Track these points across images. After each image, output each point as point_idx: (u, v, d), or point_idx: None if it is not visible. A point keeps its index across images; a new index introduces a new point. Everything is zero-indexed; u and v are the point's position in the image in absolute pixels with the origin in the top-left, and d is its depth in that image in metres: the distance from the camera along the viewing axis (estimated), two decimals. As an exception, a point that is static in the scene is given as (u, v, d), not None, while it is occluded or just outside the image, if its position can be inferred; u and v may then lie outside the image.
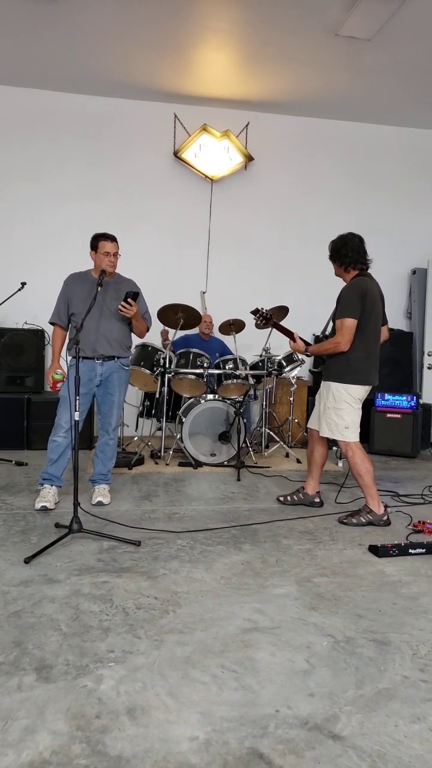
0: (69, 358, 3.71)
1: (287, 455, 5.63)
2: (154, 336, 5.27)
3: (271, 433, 5.81)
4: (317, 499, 3.98)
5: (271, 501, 4.10)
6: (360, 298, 3.52)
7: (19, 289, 5.08)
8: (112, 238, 3.81)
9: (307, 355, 3.86)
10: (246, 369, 5.26)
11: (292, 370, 5.46)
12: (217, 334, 5.98)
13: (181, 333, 5.70)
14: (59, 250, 6.20)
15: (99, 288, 3.50)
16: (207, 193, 6.61)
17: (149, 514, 3.73)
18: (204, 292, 6.58)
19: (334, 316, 3.65)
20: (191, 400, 5.27)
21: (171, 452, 5.25)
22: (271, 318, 4.01)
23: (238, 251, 6.71)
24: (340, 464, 5.25)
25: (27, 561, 2.85)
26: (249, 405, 5.85)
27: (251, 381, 5.28)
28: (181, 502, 4.04)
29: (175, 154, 6.43)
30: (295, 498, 4.00)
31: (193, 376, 5.10)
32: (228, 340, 5.84)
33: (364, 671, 2.01)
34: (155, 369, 5.07)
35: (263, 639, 2.21)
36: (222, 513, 3.80)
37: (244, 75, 5.74)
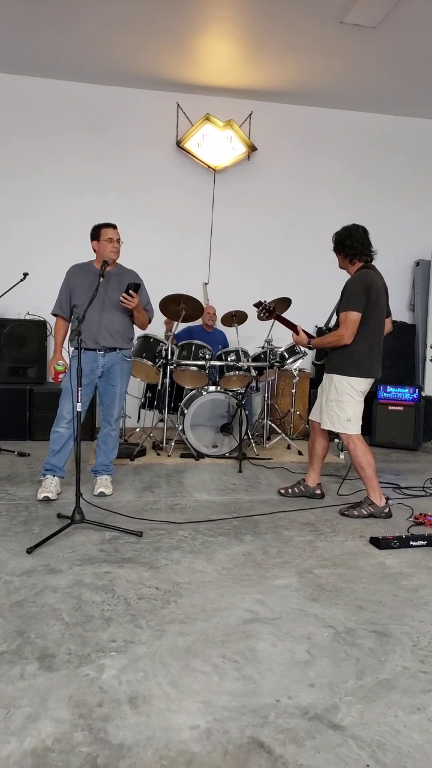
0: (71, 349, 3.70)
1: (289, 447, 5.63)
2: (156, 327, 5.26)
3: (272, 425, 5.81)
4: (318, 491, 3.99)
5: (273, 492, 4.11)
6: (365, 291, 3.50)
7: (21, 280, 5.08)
8: (113, 226, 3.81)
9: (310, 348, 3.85)
10: (248, 361, 5.25)
11: (294, 362, 5.46)
12: (219, 325, 5.98)
13: (184, 325, 5.70)
14: (61, 240, 6.18)
15: (101, 279, 3.49)
16: (210, 183, 6.58)
17: (151, 505, 3.74)
18: (206, 284, 6.57)
19: (338, 309, 3.63)
20: (193, 391, 5.27)
21: (173, 443, 5.26)
22: (273, 310, 4.00)
23: (240, 242, 6.69)
24: (342, 456, 5.26)
25: (29, 551, 2.86)
26: (251, 397, 5.85)
27: (253, 373, 5.28)
28: (183, 493, 4.05)
29: (178, 144, 6.40)
30: (296, 490, 4.01)
31: (195, 368, 5.10)
32: (230, 331, 5.84)
33: (364, 662, 2.02)
34: (157, 360, 5.07)
35: (264, 629, 2.22)
36: (223, 504, 3.81)
37: (247, 64, 5.70)
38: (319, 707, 1.77)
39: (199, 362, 5.07)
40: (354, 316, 3.49)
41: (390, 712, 1.76)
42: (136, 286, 3.73)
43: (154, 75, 5.99)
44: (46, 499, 3.72)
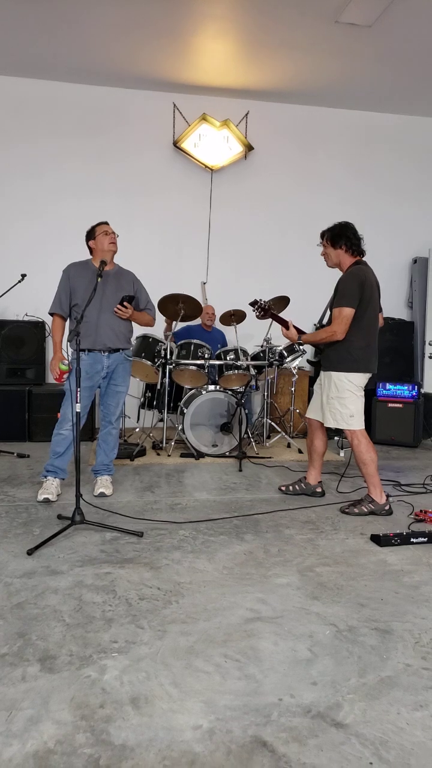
0: (70, 350, 3.69)
1: (289, 445, 5.63)
2: (156, 328, 5.26)
3: (272, 423, 5.81)
4: (319, 489, 3.99)
5: (273, 491, 4.10)
6: (359, 288, 3.52)
7: (19, 281, 5.07)
8: (106, 222, 3.86)
9: (299, 344, 3.84)
10: (247, 359, 5.25)
11: (293, 360, 5.45)
12: (218, 324, 5.97)
13: (183, 324, 5.69)
14: (59, 241, 6.17)
15: (99, 279, 3.48)
16: (207, 183, 6.58)
17: (151, 505, 3.73)
18: (204, 283, 6.57)
19: (332, 305, 3.64)
20: (192, 391, 5.27)
21: (173, 443, 5.26)
22: (269, 309, 4.00)
23: (238, 241, 6.68)
24: (342, 454, 5.26)
25: (30, 552, 2.86)
26: (250, 396, 5.85)
27: (252, 372, 5.28)
28: (183, 492, 4.05)
29: (175, 143, 6.39)
30: (297, 488, 4.01)
31: (194, 367, 5.09)
32: (229, 330, 5.83)
33: (366, 660, 2.02)
34: (156, 360, 5.06)
35: (266, 628, 2.22)
36: (224, 503, 3.81)
37: (243, 63, 5.70)
38: (322, 705, 1.77)
39: (198, 361, 5.07)
40: (348, 312, 3.51)
41: (393, 710, 1.76)
42: (130, 298, 3.76)
43: (151, 75, 5.99)
44: (46, 501, 3.71)
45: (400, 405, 5.76)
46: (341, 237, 3.67)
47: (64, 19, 4.93)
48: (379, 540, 3.11)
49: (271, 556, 2.94)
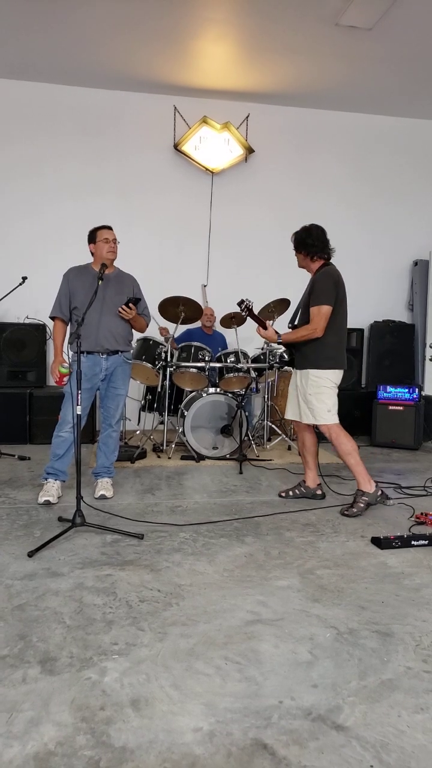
0: (71, 353, 3.70)
1: (289, 448, 5.63)
2: (154, 331, 5.27)
3: (272, 426, 5.81)
4: (319, 492, 3.99)
5: (274, 494, 4.10)
6: (335, 286, 3.64)
7: (20, 284, 5.08)
8: (109, 227, 3.84)
9: (279, 344, 3.90)
10: (247, 362, 5.25)
11: (284, 364, 5.44)
12: (218, 327, 5.98)
13: (183, 327, 5.70)
14: (60, 244, 6.18)
15: (100, 282, 3.49)
16: (207, 186, 6.59)
17: (152, 508, 3.73)
18: (205, 285, 6.57)
19: (307, 304, 3.72)
20: (193, 393, 5.27)
21: (173, 446, 5.26)
22: (251, 309, 4.03)
23: (238, 244, 6.69)
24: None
25: (30, 555, 2.86)
26: (251, 398, 5.85)
27: (253, 374, 5.28)
28: (184, 495, 4.05)
29: (175, 146, 6.41)
30: (297, 492, 4.01)
31: (194, 370, 5.10)
32: (229, 333, 5.84)
33: (367, 662, 2.02)
34: (157, 363, 5.07)
35: (266, 631, 2.22)
36: (224, 506, 3.81)
37: (243, 66, 5.71)
38: (322, 708, 1.77)
39: (199, 364, 5.07)
40: (326, 310, 3.61)
41: (393, 713, 1.75)
42: (137, 300, 3.78)
43: (151, 78, 6.00)
44: (47, 503, 3.71)
45: (401, 408, 5.76)
46: (300, 244, 3.79)
47: (64, 22, 4.94)
48: (379, 542, 3.10)
49: (272, 558, 2.94)
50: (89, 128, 6.30)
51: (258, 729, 1.67)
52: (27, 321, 5.91)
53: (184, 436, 5.10)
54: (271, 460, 5.14)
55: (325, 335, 3.63)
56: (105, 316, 3.79)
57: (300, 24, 4.89)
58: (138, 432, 5.87)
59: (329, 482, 4.34)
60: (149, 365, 5.05)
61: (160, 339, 5.30)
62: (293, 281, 6.62)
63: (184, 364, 5.09)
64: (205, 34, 5.12)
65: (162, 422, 5.53)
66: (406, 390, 5.80)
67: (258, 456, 5.23)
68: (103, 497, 3.87)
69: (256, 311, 4.13)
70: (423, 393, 6.14)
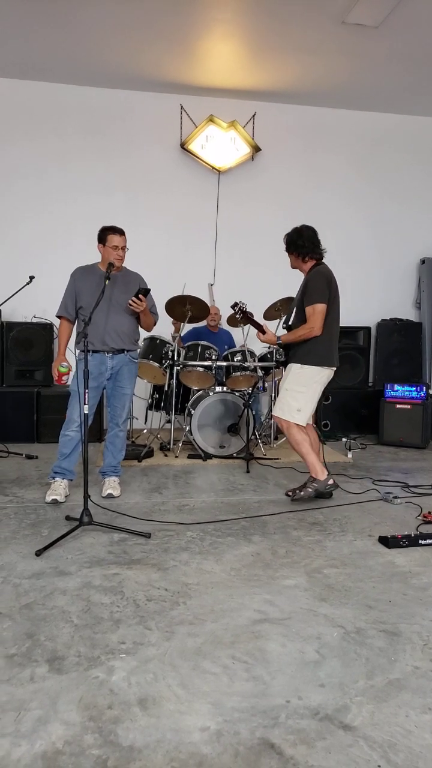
0: (77, 351, 3.71)
1: (296, 447, 5.62)
2: (161, 329, 5.27)
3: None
4: (330, 481, 3.92)
5: (281, 493, 4.10)
6: (327, 285, 3.68)
7: (28, 283, 5.09)
8: (120, 232, 3.79)
9: (280, 346, 3.92)
10: (254, 361, 5.25)
11: (278, 363, 5.44)
12: (225, 326, 5.97)
13: (189, 326, 5.69)
14: (67, 243, 6.20)
15: (107, 281, 3.50)
16: (214, 185, 6.59)
17: (159, 506, 3.74)
18: (212, 284, 6.57)
19: (301, 304, 3.75)
20: (200, 392, 5.27)
21: (180, 444, 5.26)
22: (246, 312, 4.08)
23: (245, 242, 6.68)
24: (350, 456, 5.24)
25: (38, 553, 2.87)
26: (258, 397, 5.84)
27: (260, 373, 5.27)
28: (191, 494, 4.05)
29: (182, 145, 6.41)
30: (309, 490, 3.94)
31: (201, 369, 5.10)
32: (236, 331, 5.83)
33: (374, 662, 2.01)
34: (164, 362, 5.07)
35: (273, 630, 2.21)
36: (231, 505, 3.81)
37: (250, 65, 5.70)
38: (330, 708, 1.77)
39: (206, 363, 5.08)
40: (321, 308, 3.66)
41: (401, 712, 1.75)
42: (146, 291, 3.77)
43: (158, 77, 6.00)
44: (54, 502, 3.73)
45: (409, 406, 5.74)
46: (291, 245, 3.85)
47: (71, 22, 4.95)
48: (387, 542, 3.10)
49: (279, 557, 2.94)
50: (96, 127, 6.31)
51: (265, 728, 1.67)
52: (34, 320, 5.93)
53: (191, 434, 5.10)
54: (278, 458, 5.14)
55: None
56: (111, 315, 3.80)
57: (307, 22, 4.88)
58: (145, 431, 5.88)
59: (336, 480, 4.32)
60: (156, 364, 5.06)
61: (167, 338, 5.30)
62: (300, 280, 6.62)
63: (190, 362, 5.09)
64: (212, 34, 5.11)
65: (169, 421, 5.54)
66: (414, 388, 5.78)
67: (265, 455, 5.22)
68: (110, 496, 3.87)
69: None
70: (431, 391, 6.11)
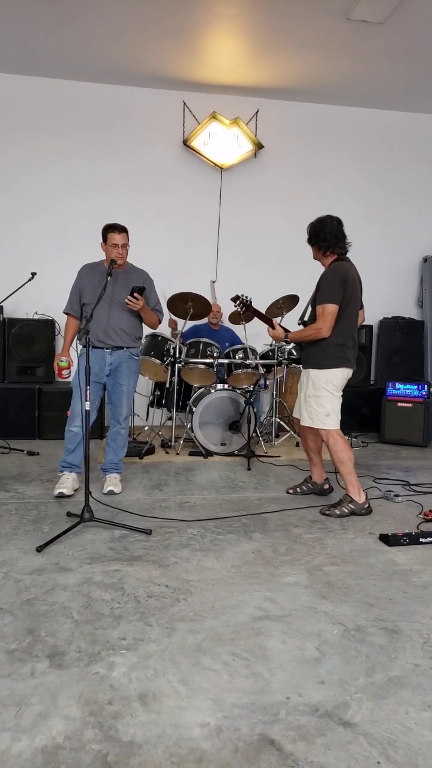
0: (79, 347, 3.73)
1: (297, 444, 5.61)
2: (163, 326, 5.26)
3: (281, 422, 5.80)
4: (326, 486, 3.98)
5: (281, 490, 4.10)
6: (341, 284, 3.48)
7: (29, 280, 5.09)
8: (120, 229, 3.79)
9: (287, 342, 3.79)
10: (256, 358, 5.25)
11: (292, 361, 5.43)
12: (227, 323, 5.97)
13: (190, 323, 5.69)
14: (69, 239, 6.20)
15: (108, 278, 3.51)
16: (216, 182, 6.58)
17: (160, 503, 3.74)
18: (214, 282, 6.56)
19: (314, 302, 3.60)
20: (201, 389, 5.27)
21: (181, 442, 5.26)
22: (250, 304, 3.96)
23: (248, 240, 6.68)
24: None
25: (39, 549, 2.87)
26: (259, 394, 5.84)
27: (261, 370, 5.27)
28: (192, 491, 4.06)
29: (185, 142, 6.40)
30: (305, 488, 4.00)
31: (203, 366, 5.10)
32: (238, 329, 5.83)
33: (374, 659, 2.02)
34: (165, 359, 5.07)
35: (274, 627, 2.22)
36: (232, 502, 3.81)
37: (253, 61, 5.69)
38: (330, 704, 1.77)
39: (207, 360, 5.07)
40: (331, 309, 3.46)
41: (401, 710, 1.75)
42: (141, 289, 3.76)
43: (160, 73, 5.99)
44: (61, 495, 3.75)
45: (410, 405, 5.73)
46: (313, 236, 3.65)
47: (74, 18, 4.94)
48: (387, 540, 3.10)
49: (280, 554, 2.94)
50: (99, 124, 6.30)
51: (265, 725, 1.67)
52: (36, 317, 5.93)
53: (193, 432, 5.10)
54: (279, 456, 5.14)
55: (330, 335, 3.51)
56: (113, 311, 3.81)
57: (310, 19, 4.86)
58: (146, 428, 5.88)
59: (339, 479, 4.32)
60: (157, 361, 5.06)
61: (169, 335, 5.29)
62: (302, 277, 6.59)
63: (192, 360, 5.09)
64: (215, 30, 5.10)
65: (170, 418, 5.54)
66: (416, 387, 5.77)
67: (266, 452, 5.23)
68: (111, 493, 3.88)
69: (264, 308, 4.08)
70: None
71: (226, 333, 6.10)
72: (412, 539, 3.10)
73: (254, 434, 5.16)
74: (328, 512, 3.58)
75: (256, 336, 5.97)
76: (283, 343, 3.88)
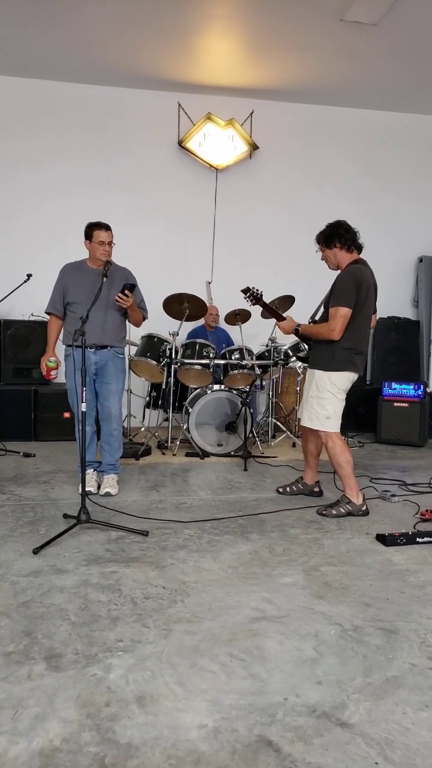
0: (64, 347, 3.74)
1: (294, 445, 5.62)
2: (158, 326, 5.27)
3: (277, 423, 5.80)
4: (316, 489, 3.99)
5: (278, 491, 4.10)
6: (356, 288, 3.45)
7: (25, 281, 5.08)
8: (106, 227, 3.78)
9: (297, 333, 3.71)
10: (252, 359, 5.25)
11: (298, 359, 5.45)
12: (222, 324, 5.97)
13: (187, 326, 5.69)
14: (64, 241, 6.18)
15: (104, 278, 3.50)
16: (212, 183, 6.58)
17: (157, 504, 3.74)
18: (209, 283, 6.57)
19: (327, 303, 3.58)
20: (198, 390, 5.27)
21: (178, 442, 5.26)
22: (261, 297, 3.94)
23: (243, 241, 6.68)
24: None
25: (36, 551, 2.86)
26: (255, 395, 5.85)
27: (257, 371, 5.27)
28: (189, 492, 4.05)
29: (180, 143, 6.40)
30: (294, 488, 4.01)
31: (199, 367, 5.10)
32: (234, 330, 5.83)
33: (371, 659, 2.02)
34: (161, 360, 5.07)
35: (271, 628, 2.22)
36: (229, 503, 3.81)
37: (248, 62, 5.69)
38: (327, 705, 1.77)
39: (204, 361, 5.07)
40: (344, 312, 3.44)
41: (398, 710, 1.75)
42: (132, 287, 3.74)
43: (155, 75, 5.99)
44: (89, 493, 3.77)
45: (406, 404, 5.74)
46: (333, 236, 3.61)
47: (68, 20, 4.94)
48: (384, 539, 3.10)
49: (276, 555, 2.94)
50: (94, 125, 6.30)
51: (263, 726, 1.67)
52: (31, 318, 5.92)
53: (189, 432, 5.10)
54: (275, 457, 5.14)
55: (340, 338, 3.48)
56: (95, 311, 3.75)
57: (305, 19, 4.87)
58: (142, 429, 5.87)
59: (334, 480, 4.33)
60: (153, 362, 5.05)
61: (165, 336, 5.28)
62: (298, 278, 6.63)
63: (188, 360, 5.09)
64: (210, 31, 5.10)
65: (166, 419, 5.54)
66: (412, 386, 5.79)
67: (262, 453, 5.22)
68: (108, 494, 3.87)
69: (260, 308, 4.06)
70: (428, 390, 6.12)
71: (222, 334, 6.11)
72: (409, 539, 3.10)
73: (251, 435, 5.16)
74: (324, 512, 3.58)
75: (252, 337, 5.98)
76: (294, 333, 3.76)
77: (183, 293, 5.14)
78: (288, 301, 5.46)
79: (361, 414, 6.18)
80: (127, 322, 4.02)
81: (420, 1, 4.56)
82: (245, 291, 3.94)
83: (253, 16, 4.86)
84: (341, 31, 5.04)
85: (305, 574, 2.72)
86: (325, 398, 3.56)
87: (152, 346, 5.13)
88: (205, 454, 5.05)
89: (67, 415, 5.37)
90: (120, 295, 3.70)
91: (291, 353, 5.43)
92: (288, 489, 4.02)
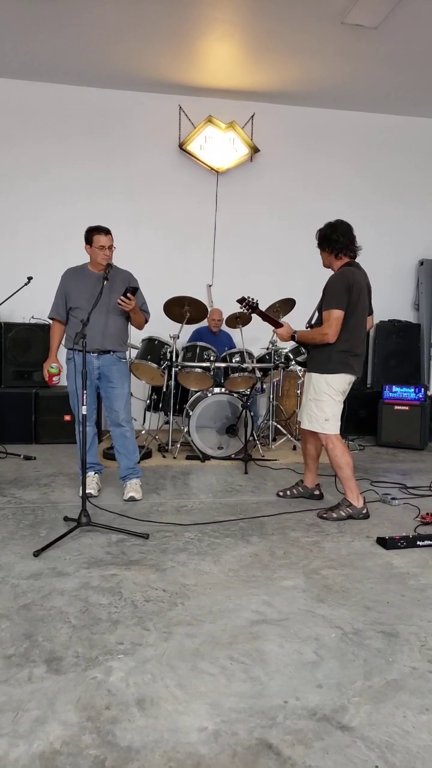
0: (66, 351, 3.74)
1: (294, 448, 5.62)
2: (159, 329, 5.27)
3: (278, 426, 5.80)
4: (317, 492, 3.99)
5: (279, 493, 4.10)
6: (347, 290, 3.45)
7: (26, 284, 5.09)
8: (106, 231, 3.77)
9: (294, 339, 3.72)
10: (253, 362, 5.25)
11: (297, 364, 5.45)
12: (224, 327, 5.98)
13: (190, 327, 5.69)
14: (65, 244, 6.18)
15: (105, 282, 3.51)
16: (212, 186, 6.59)
17: (157, 507, 3.74)
18: (210, 286, 6.57)
19: (321, 307, 3.58)
20: (198, 393, 5.27)
21: (178, 446, 5.26)
22: (257, 306, 3.95)
23: (244, 243, 6.69)
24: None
25: (36, 554, 2.87)
26: (256, 398, 5.85)
27: (258, 374, 5.28)
28: (189, 495, 4.05)
29: (181, 146, 6.41)
30: (295, 491, 4.01)
31: (199, 370, 5.10)
32: (235, 333, 5.84)
33: (372, 663, 2.02)
34: (162, 363, 5.07)
35: (271, 631, 2.22)
36: (229, 506, 3.81)
37: (249, 65, 5.71)
38: (327, 708, 1.77)
39: (204, 364, 5.08)
40: (337, 314, 3.44)
41: (398, 713, 1.75)
42: (134, 290, 3.74)
43: (156, 78, 6.00)
44: (89, 495, 3.77)
45: (407, 407, 5.74)
46: (324, 240, 3.63)
47: (70, 23, 4.95)
48: (385, 543, 3.10)
49: (277, 558, 2.94)
50: (95, 128, 6.31)
51: (263, 729, 1.67)
52: (32, 321, 5.92)
53: (190, 435, 5.10)
54: (276, 460, 5.14)
55: (335, 341, 3.48)
56: (99, 315, 3.76)
57: (305, 23, 4.88)
58: (143, 432, 5.88)
59: (335, 483, 4.33)
60: (154, 365, 5.05)
61: (165, 339, 5.28)
62: (299, 281, 6.63)
63: (189, 363, 5.09)
64: (211, 34, 5.12)
65: (167, 422, 5.54)
66: (412, 390, 5.79)
67: (263, 456, 5.22)
68: (132, 499, 3.85)
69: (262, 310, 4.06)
70: (429, 393, 6.12)
71: (225, 337, 6.11)
72: (410, 542, 3.10)
73: (251, 438, 5.16)
74: (325, 515, 3.58)
75: (253, 340, 5.98)
76: (291, 339, 3.77)
77: (184, 296, 5.15)
78: (289, 304, 5.47)
79: (362, 417, 6.18)
80: (129, 324, 4.02)
81: (421, 4, 4.57)
82: (241, 301, 3.95)
83: (254, 20, 4.87)
84: (342, 35, 5.05)
85: (306, 577, 2.72)
86: (323, 401, 3.57)
87: (153, 349, 5.13)
88: (205, 457, 5.05)
89: (67, 417, 5.37)
90: (122, 298, 3.70)
91: (292, 356, 5.43)
92: (288, 492, 4.02)
